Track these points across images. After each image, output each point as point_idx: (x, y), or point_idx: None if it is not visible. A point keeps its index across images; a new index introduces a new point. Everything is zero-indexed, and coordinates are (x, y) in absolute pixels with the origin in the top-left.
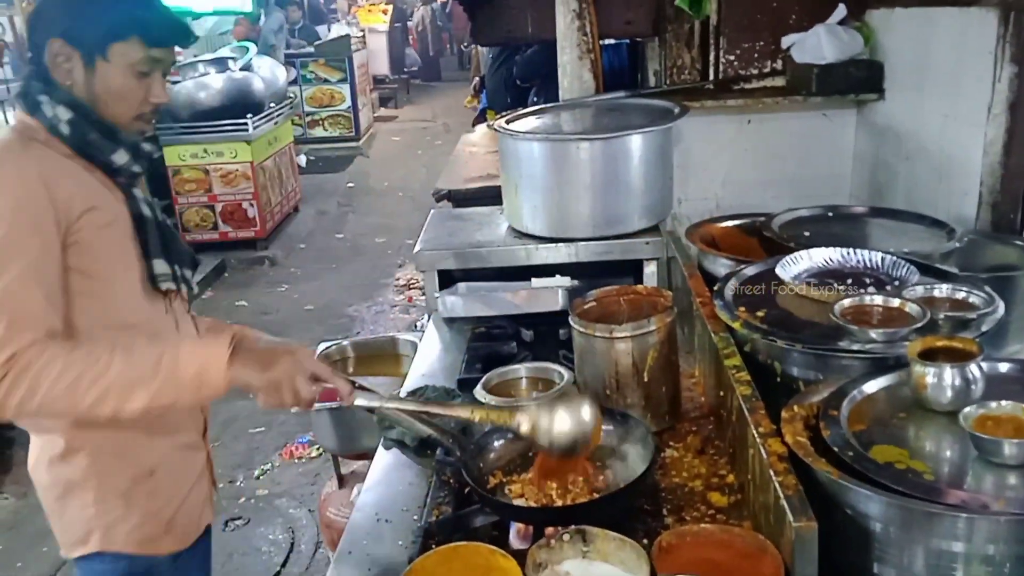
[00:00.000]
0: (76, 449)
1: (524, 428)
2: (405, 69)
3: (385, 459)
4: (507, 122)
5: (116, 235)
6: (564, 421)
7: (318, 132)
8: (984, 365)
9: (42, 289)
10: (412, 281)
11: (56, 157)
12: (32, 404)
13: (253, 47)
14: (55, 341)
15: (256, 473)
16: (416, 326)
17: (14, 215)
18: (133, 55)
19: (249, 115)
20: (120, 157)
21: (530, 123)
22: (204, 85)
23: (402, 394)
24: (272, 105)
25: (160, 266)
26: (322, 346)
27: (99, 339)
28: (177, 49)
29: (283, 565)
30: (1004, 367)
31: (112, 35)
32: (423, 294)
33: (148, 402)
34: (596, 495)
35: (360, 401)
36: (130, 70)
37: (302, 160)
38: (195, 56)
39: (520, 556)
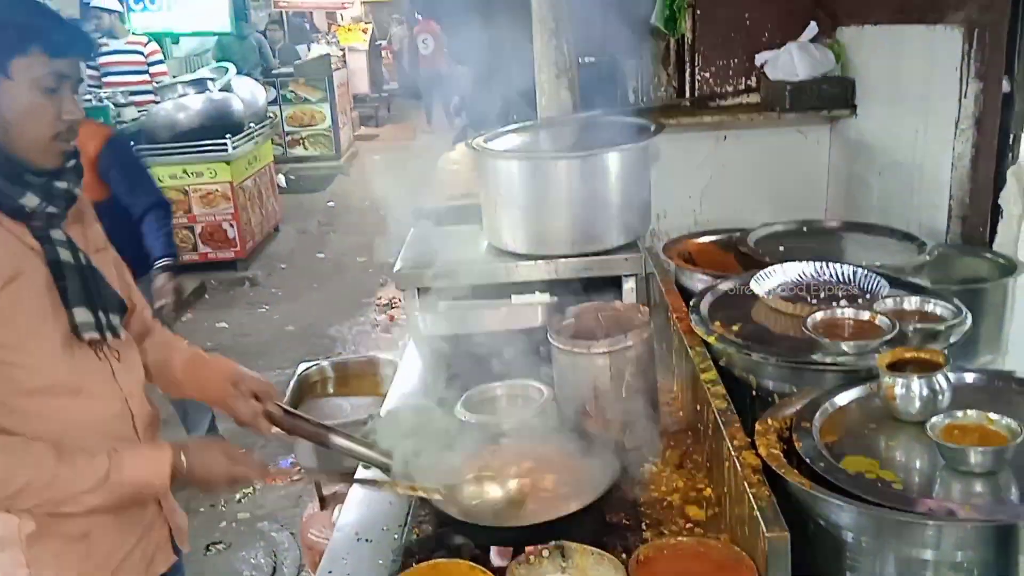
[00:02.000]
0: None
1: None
2: (385, 88)
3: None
4: (485, 140)
5: (28, 291)
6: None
7: (298, 151)
8: (951, 375)
9: None
10: (394, 300)
11: None
12: None
13: (232, 68)
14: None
15: (237, 496)
16: (398, 345)
17: None
18: (38, 70)
19: (228, 135)
20: (30, 201)
21: (508, 141)
22: (183, 106)
23: (382, 412)
24: (252, 125)
25: (81, 314)
26: (302, 367)
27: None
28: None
29: None
30: (970, 377)
31: (11, 49)
32: (405, 313)
33: (91, 508)
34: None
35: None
36: (36, 87)
37: (281, 180)
38: (174, 77)
39: (501, 573)
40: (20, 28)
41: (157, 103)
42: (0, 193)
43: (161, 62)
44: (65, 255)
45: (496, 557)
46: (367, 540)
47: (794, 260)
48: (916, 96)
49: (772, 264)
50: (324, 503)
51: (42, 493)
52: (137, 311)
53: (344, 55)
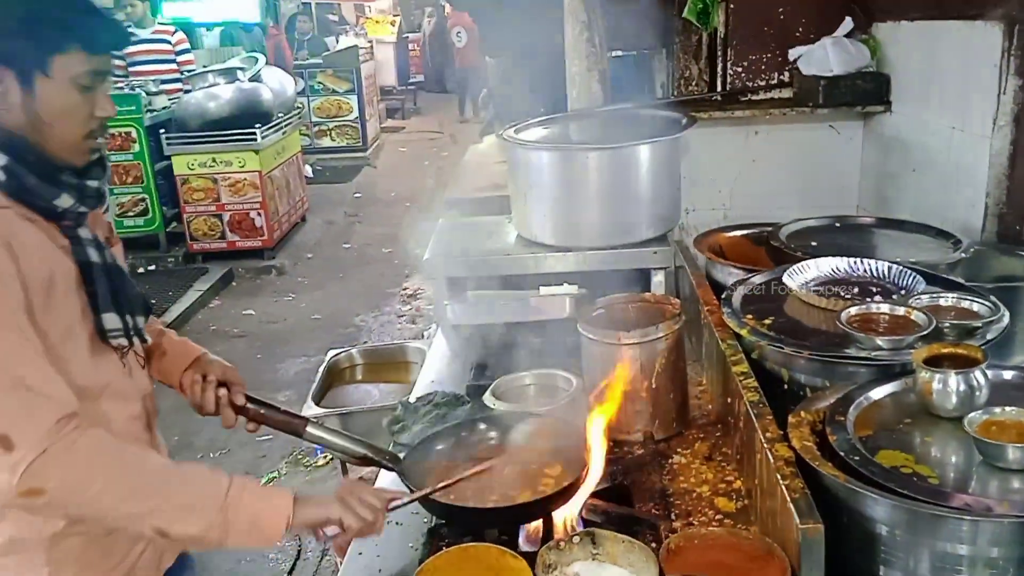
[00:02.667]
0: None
1: None
2: (411, 80)
3: None
4: (515, 132)
5: (61, 291)
6: None
7: (325, 142)
8: (988, 372)
9: (47, 363)
10: (419, 291)
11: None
12: (75, 501)
13: (262, 58)
14: (88, 428)
15: (263, 481)
16: (423, 336)
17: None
18: (76, 68)
19: (258, 125)
20: (63, 201)
21: (538, 133)
22: (213, 95)
23: (411, 399)
24: (280, 115)
25: (111, 320)
26: (331, 353)
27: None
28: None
29: (290, 572)
30: (1008, 374)
31: (51, 47)
32: (430, 304)
33: (199, 532)
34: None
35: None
36: (73, 85)
37: (308, 170)
38: (204, 67)
39: (528, 558)
40: (60, 25)
41: (186, 92)
42: (35, 194)
43: (188, 51)
44: (94, 255)
45: (524, 543)
46: (397, 523)
47: (827, 255)
48: (953, 92)
49: (804, 259)
50: None
51: (150, 500)
52: None
53: (372, 47)
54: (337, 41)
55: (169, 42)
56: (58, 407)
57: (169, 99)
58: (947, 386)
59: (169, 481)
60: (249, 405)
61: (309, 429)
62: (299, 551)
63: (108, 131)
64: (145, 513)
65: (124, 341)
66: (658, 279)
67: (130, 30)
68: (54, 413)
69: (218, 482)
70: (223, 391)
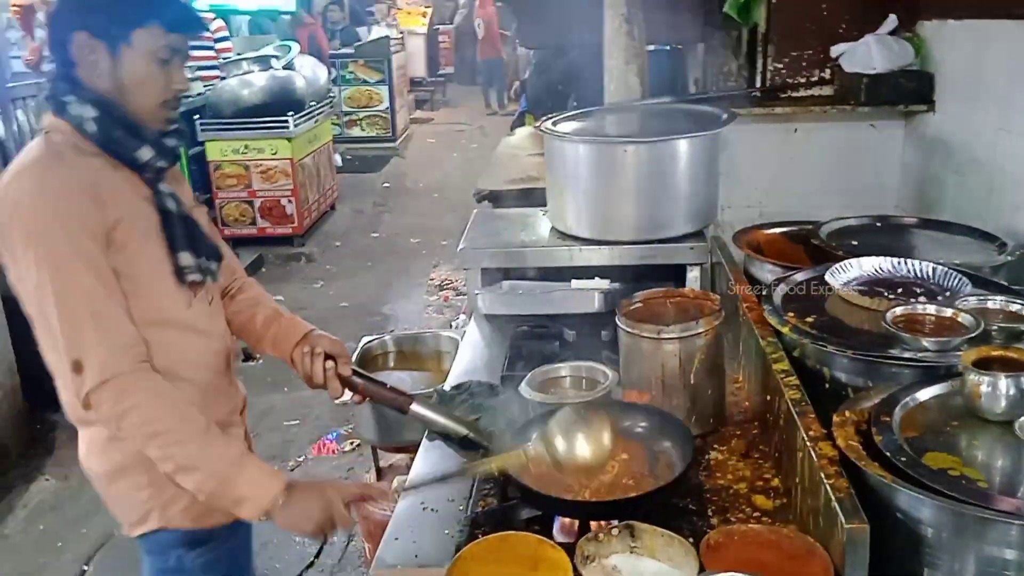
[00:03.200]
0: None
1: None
2: (441, 72)
3: (430, 451)
4: (553, 124)
5: (144, 232)
6: (582, 448)
7: (355, 132)
8: None
9: (120, 303)
10: (446, 281)
11: (87, 160)
12: (117, 425)
13: (296, 46)
14: (149, 371)
15: (290, 465)
16: (451, 326)
17: (71, 229)
18: (155, 41)
19: (290, 113)
20: (144, 153)
21: (574, 126)
22: (247, 82)
23: (446, 387)
24: (313, 104)
25: (186, 258)
26: (364, 339)
27: (189, 394)
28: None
29: (316, 556)
30: None
31: (134, 21)
32: (458, 294)
33: (193, 488)
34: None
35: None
36: (152, 57)
37: (338, 159)
38: (239, 54)
39: (565, 549)
40: (144, 2)
41: (222, 79)
42: (120, 144)
43: (227, 38)
44: (171, 205)
45: (559, 534)
46: (433, 510)
47: (868, 255)
48: (1000, 93)
49: (846, 258)
50: (381, 474)
51: (170, 448)
52: (226, 262)
53: (403, 38)
54: (369, 31)
55: (208, 29)
56: (123, 344)
57: (204, 85)
58: (997, 389)
59: (184, 441)
60: (354, 378)
61: (414, 407)
62: (326, 535)
63: (181, 103)
64: (160, 458)
65: (199, 276)
66: (693, 275)
67: None
68: (117, 350)
69: (220, 459)
70: (330, 363)
